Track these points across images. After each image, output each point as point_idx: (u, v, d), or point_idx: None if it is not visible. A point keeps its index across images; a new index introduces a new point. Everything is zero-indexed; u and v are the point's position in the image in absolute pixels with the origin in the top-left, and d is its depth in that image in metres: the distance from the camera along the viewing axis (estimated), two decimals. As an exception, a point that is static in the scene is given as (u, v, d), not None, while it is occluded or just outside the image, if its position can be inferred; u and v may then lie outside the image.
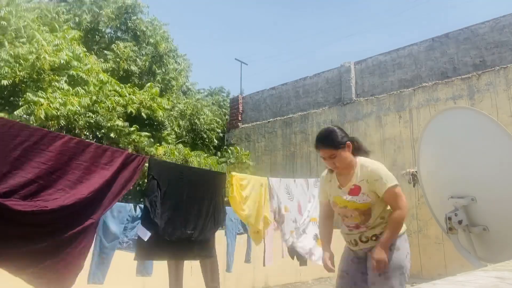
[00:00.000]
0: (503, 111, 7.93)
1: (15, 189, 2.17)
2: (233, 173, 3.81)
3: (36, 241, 2.24)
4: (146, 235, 2.93)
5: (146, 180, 3.08)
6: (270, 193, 4.10)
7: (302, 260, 4.41)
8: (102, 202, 2.57)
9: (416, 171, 4.12)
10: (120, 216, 3.53)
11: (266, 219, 3.99)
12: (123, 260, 3.49)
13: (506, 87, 8.05)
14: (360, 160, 2.53)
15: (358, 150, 2.58)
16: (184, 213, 3.24)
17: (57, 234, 2.33)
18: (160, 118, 10.38)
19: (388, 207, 2.48)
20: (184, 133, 12.48)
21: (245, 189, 3.76)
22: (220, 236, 4.56)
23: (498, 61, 8.35)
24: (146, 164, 3.00)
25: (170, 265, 3.49)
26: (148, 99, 9.98)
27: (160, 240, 3.02)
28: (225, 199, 3.76)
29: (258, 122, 12.58)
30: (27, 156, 2.26)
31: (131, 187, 2.91)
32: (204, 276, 3.68)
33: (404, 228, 2.50)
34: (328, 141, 2.49)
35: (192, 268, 3.58)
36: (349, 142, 2.50)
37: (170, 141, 10.77)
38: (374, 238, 2.46)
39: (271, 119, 12.25)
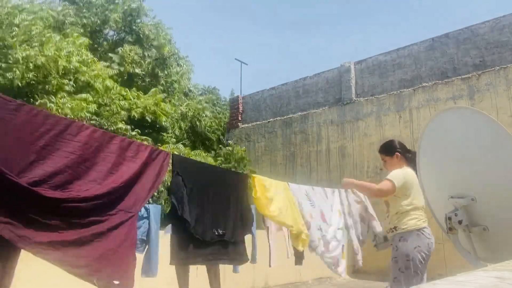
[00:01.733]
0: (503, 111, 7.93)
1: (43, 178, 2.08)
2: (254, 174, 3.74)
3: (77, 231, 2.15)
4: (168, 230, 2.85)
5: (171, 177, 2.96)
6: (294, 197, 3.98)
7: (298, 259, 4.35)
8: (137, 195, 2.51)
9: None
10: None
11: (301, 222, 3.84)
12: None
13: (506, 87, 8.05)
14: (400, 168, 3.35)
15: (410, 161, 3.49)
16: (213, 212, 3.09)
17: (97, 224, 2.25)
18: (163, 123, 10.46)
19: (402, 210, 3.16)
20: (185, 135, 12.52)
21: (269, 191, 3.61)
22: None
23: (498, 61, 8.35)
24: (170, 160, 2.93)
25: (179, 268, 3.41)
26: (152, 104, 10.05)
27: (193, 240, 2.88)
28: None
29: (258, 122, 12.58)
30: (54, 145, 2.17)
31: (161, 182, 2.84)
32: (209, 277, 3.63)
33: (417, 225, 3.11)
34: (383, 148, 3.71)
35: (197, 268, 3.55)
36: (397, 153, 3.44)
37: (170, 142, 10.81)
38: (391, 231, 3.27)
39: (271, 119, 12.26)
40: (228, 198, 3.33)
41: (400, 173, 3.24)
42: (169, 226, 2.93)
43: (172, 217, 2.88)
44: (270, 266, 4.54)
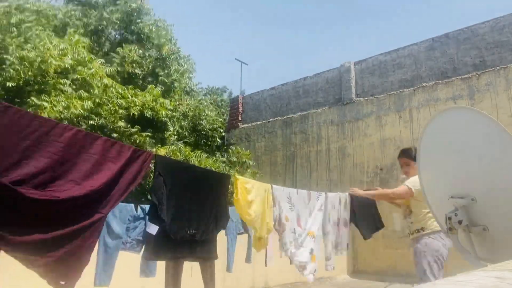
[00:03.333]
0: (503, 111, 7.93)
1: (26, 178, 2.17)
2: (238, 176, 3.77)
3: (47, 230, 2.25)
4: (154, 229, 2.92)
5: (151, 177, 3.06)
6: (273, 200, 4.05)
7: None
8: (111, 196, 2.57)
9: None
10: (121, 215, 3.54)
11: (269, 226, 3.94)
12: (125, 261, 3.50)
13: (506, 87, 8.05)
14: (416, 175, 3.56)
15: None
16: (188, 212, 3.21)
17: (68, 225, 2.33)
18: (162, 118, 10.41)
19: (425, 212, 3.44)
20: (186, 133, 12.51)
21: (250, 193, 3.67)
22: (220, 236, 4.56)
23: (498, 61, 8.35)
24: (152, 161, 2.99)
25: (168, 265, 3.47)
26: (151, 101, 10.03)
27: (166, 238, 3.00)
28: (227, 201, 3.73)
29: (258, 122, 12.59)
30: (38, 145, 2.26)
31: (138, 183, 2.90)
32: (204, 277, 3.67)
33: (438, 227, 3.32)
34: (407, 153, 3.84)
35: (192, 268, 3.57)
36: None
37: (172, 142, 10.79)
38: (416, 231, 3.58)
39: (271, 119, 12.26)
40: (205, 198, 3.41)
41: (417, 180, 3.44)
42: (151, 225, 2.99)
43: (151, 216, 2.99)
44: (266, 265, 4.56)
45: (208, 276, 3.62)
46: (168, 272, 3.42)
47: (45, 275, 2.26)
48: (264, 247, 4.02)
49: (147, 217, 3.36)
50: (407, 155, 3.86)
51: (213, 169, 8.40)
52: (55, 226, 2.28)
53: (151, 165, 3.00)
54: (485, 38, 8.66)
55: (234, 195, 3.56)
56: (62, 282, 2.31)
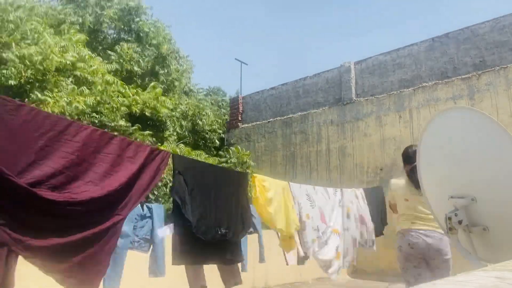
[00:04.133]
0: (503, 111, 7.93)
1: (42, 179, 2.07)
2: (255, 174, 3.71)
3: (66, 234, 2.14)
4: (165, 231, 2.83)
5: (171, 177, 2.94)
6: (292, 198, 3.96)
7: (301, 258, 4.32)
8: (130, 197, 2.48)
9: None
10: (129, 215, 3.49)
11: (296, 222, 3.83)
12: (132, 261, 3.47)
13: (506, 87, 8.05)
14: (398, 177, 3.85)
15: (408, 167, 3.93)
16: (216, 211, 3.07)
17: (87, 228, 2.23)
18: (163, 117, 10.40)
19: (400, 212, 3.66)
20: (186, 133, 12.50)
21: (268, 191, 3.58)
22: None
23: (498, 61, 8.35)
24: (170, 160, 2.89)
25: (188, 269, 3.35)
26: (152, 99, 10.03)
27: (194, 240, 2.86)
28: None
29: (258, 122, 12.58)
30: (53, 145, 2.16)
31: (156, 183, 2.81)
32: (223, 276, 3.51)
33: (399, 227, 3.59)
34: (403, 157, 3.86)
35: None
36: (404, 163, 3.79)
37: (171, 141, 10.79)
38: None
39: (271, 119, 12.26)
40: (229, 197, 3.31)
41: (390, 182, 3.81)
42: (171, 225, 2.91)
43: (175, 217, 2.87)
44: (287, 264, 4.46)
45: (226, 272, 3.50)
46: (188, 273, 3.29)
47: (64, 282, 2.17)
48: (291, 247, 3.90)
49: (169, 217, 3.21)
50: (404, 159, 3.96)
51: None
52: (73, 229, 2.19)
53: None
54: (485, 38, 8.66)
55: (252, 193, 3.50)
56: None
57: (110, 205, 2.38)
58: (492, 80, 8.24)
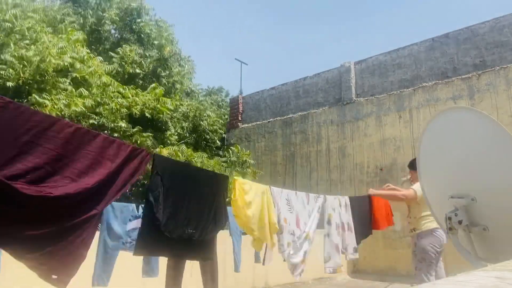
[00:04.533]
0: (503, 111, 7.93)
1: (22, 173, 2.16)
2: (236, 177, 3.75)
3: (39, 226, 2.24)
4: (134, 225, 2.91)
5: (150, 176, 3.05)
6: (272, 202, 4.04)
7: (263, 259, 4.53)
8: (107, 194, 2.56)
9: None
10: (122, 216, 3.53)
11: (274, 226, 3.91)
12: (125, 261, 3.49)
13: (506, 87, 8.05)
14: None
15: None
16: (186, 211, 3.20)
17: (60, 222, 2.32)
18: (164, 118, 10.39)
19: (422, 213, 4.09)
20: (187, 134, 12.50)
21: (247, 194, 3.65)
22: (225, 236, 4.54)
23: (498, 61, 8.36)
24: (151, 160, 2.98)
25: (169, 266, 3.46)
26: (152, 100, 10.01)
27: (161, 236, 2.99)
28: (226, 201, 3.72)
29: (258, 122, 12.59)
30: (37, 141, 2.25)
31: (135, 182, 2.89)
32: (203, 278, 3.66)
33: (430, 226, 4.03)
34: (413, 165, 4.14)
35: (192, 268, 3.56)
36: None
37: (173, 142, 10.78)
38: (412, 231, 4.24)
39: (271, 119, 12.26)
40: (204, 198, 3.40)
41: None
42: (130, 223, 2.97)
43: (146, 212, 2.97)
44: (263, 264, 4.57)
45: (208, 276, 3.60)
46: (168, 273, 3.41)
47: (35, 268, 2.27)
48: (261, 246, 4.00)
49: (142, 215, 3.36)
50: (413, 167, 4.31)
51: (214, 170, 8.40)
52: (48, 222, 2.28)
53: (149, 165, 3.00)
54: (485, 38, 8.66)
55: (232, 195, 3.56)
56: (54, 276, 2.31)
57: (86, 201, 2.45)
58: (492, 80, 8.24)
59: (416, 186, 4.09)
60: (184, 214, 3.19)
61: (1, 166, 2.10)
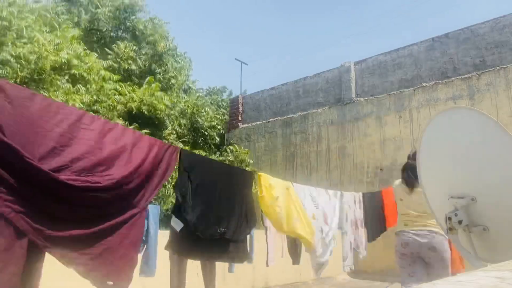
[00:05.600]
0: (503, 111, 7.93)
1: (65, 164, 2.07)
2: (260, 172, 3.62)
3: (85, 225, 2.13)
4: (179, 226, 2.80)
5: (177, 172, 2.90)
6: (298, 197, 3.86)
7: (296, 260, 4.32)
8: (145, 190, 2.49)
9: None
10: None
11: (307, 222, 3.77)
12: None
13: (506, 87, 8.05)
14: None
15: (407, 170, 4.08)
16: (216, 209, 3.05)
17: (106, 220, 2.22)
18: (161, 114, 10.36)
19: (401, 213, 3.74)
20: (185, 131, 12.47)
21: (274, 189, 3.52)
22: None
23: (498, 61, 8.35)
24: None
25: (173, 263, 3.43)
26: (148, 96, 9.99)
27: (192, 237, 2.86)
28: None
29: (258, 122, 12.59)
30: (71, 132, 2.16)
31: (168, 178, 2.81)
32: (204, 276, 3.63)
33: (400, 228, 3.69)
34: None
35: (197, 267, 3.53)
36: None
37: (171, 140, 10.76)
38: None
39: (271, 119, 12.26)
40: (233, 196, 3.28)
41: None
42: (176, 220, 2.89)
43: (177, 212, 2.87)
44: (267, 265, 4.54)
45: (207, 275, 3.58)
46: (173, 270, 3.35)
47: (87, 275, 2.14)
48: (312, 246, 3.84)
49: (172, 212, 3.25)
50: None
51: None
52: (93, 220, 2.17)
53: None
54: (485, 38, 8.66)
55: (258, 192, 3.44)
56: (110, 282, 2.20)
57: (127, 196, 2.37)
58: (492, 80, 8.24)
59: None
60: (215, 213, 3.05)
61: (41, 159, 1.98)
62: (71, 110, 2.28)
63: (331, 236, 4.19)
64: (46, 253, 2.04)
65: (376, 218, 5.29)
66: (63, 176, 2.01)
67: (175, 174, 3.02)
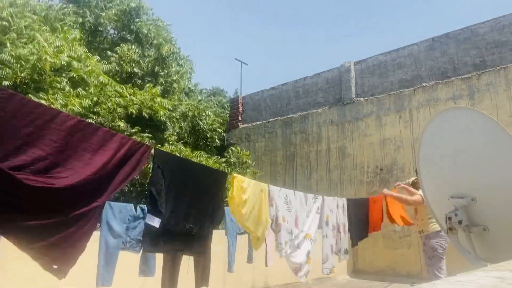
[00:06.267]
0: (503, 111, 7.93)
1: (25, 163, 2.20)
2: (235, 174, 3.76)
3: (42, 217, 2.28)
4: (154, 221, 2.90)
5: (151, 170, 3.07)
6: (269, 200, 4.05)
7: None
8: (109, 186, 2.60)
9: (416, 179, 4.97)
10: (121, 215, 3.54)
11: (265, 225, 3.93)
12: (125, 261, 3.50)
13: (506, 87, 8.05)
14: None
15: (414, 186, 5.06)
16: (186, 206, 3.23)
17: (63, 213, 2.36)
18: (161, 118, 10.37)
19: (429, 215, 4.45)
20: (186, 134, 12.47)
21: (245, 192, 3.67)
22: (220, 236, 4.55)
23: (498, 61, 8.35)
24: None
25: (165, 262, 3.46)
26: (149, 100, 9.99)
27: (165, 231, 3.03)
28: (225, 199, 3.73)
29: (258, 122, 12.59)
30: (39, 132, 2.29)
31: (135, 177, 2.91)
32: (196, 273, 3.66)
33: (436, 228, 4.49)
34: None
35: (188, 266, 3.56)
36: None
37: (172, 142, 10.77)
38: (421, 232, 4.80)
39: (271, 119, 12.26)
40: (203, 194, 3.43)
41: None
42: (151, 217, 2.98)
43: (151, 208, 2.99)
44: (266, 265, 4.56)
45: (200, 271, 3.60)
46: (165, 269, 3.41)
47: (37, 258, 2.30)
48: (261, 245, 4.02)
49: (148, 209, 3.38)
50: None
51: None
52: (51, 213, 2.31)
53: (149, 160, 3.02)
54: (485, 38, 8.66)
55: (229, 192, 3.57)
56: (55, 266, 2.34)
57: (88, 192, 2.48)
58: (492, 80, 8.24)
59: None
60: (185, 209, 3.21)
61: (4, 156, 2.12)
62: (46, 109, 2.39)
63: (302, 238, 4.30)
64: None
65: (358, 224, 5.47)
66: (20, 175, 2.14)
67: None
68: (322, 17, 70.57)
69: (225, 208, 3.82)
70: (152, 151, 2.95)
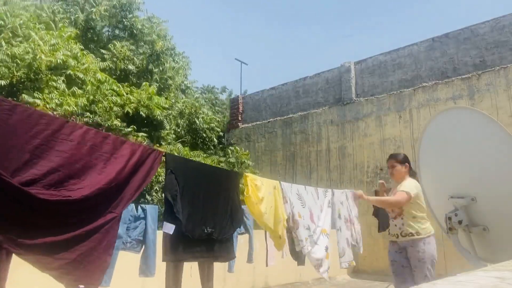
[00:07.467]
0: (503, 111, 7.93)
1: (37, 178, 2.11)
2: (246, 173, 3.72)
3: (60, 232, 2.18)
4: (171, 228, 2.84)
5: (164, 175, 2.97)
6: (283, 197, 3.98)
7: (300, 260, 4.36)
8: (123, 195, 2.52)
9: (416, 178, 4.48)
10: (122, 216, 3.52)
11: (284, 223, 3.87)
12: (125, 261, 3.50)
13: (506, 87, 8.05)
14: (408, 179, 3.71)
15: (413, 174, 3.81)
16: (202, 210, 3.13)
17: (81, 226, 2.27)
18: (158, 117, 10.32)
19: (419, 213, 3.57)
20: (183, 132, 12.40)
21: (260, 190, 3.60)
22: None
23: (498, 61, 8.35)
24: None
25: (169, 266, 3.45)
26: (146, 99, 9.94)
27: (183, 238, 2.93)
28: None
29: (258, 122, 12.59)
30: (48, 144, 2.19)
31: (149, 182, 2.84)
32: (201, 276, 3.65)
33: (432, 229, 3.55)
34: (396, 156, 3.87)
35: (191, 268, 3.56)
36: (407, 164, 3.75)
37: (169, 141, 10.73)
38: (410, 235, 3.57)
39: (271, 119, 12.26)
40: (218, 196, 3.36)
41: (413, 184, 3.65)
42: (167, 224, 2.94)
43: (167, 215, 2.92)
44: (266, 265, 4.55)
45: (205, 275, 3.59)
46: (168, 273, 3.39)
47: (61, 278, 2.18)
48: (283, 245, 3.93)
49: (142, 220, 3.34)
50: (393, 157, 3.89)
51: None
52: (68, 227, 2.22)
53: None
54: (485, 38, 8.66)
55: (244, 192, 3.52)
56: (81, 286, 2.25)
57: (103, 203, 2.40)
58: (492, 80, 8.24)
59: (406, 186, 3.63)
60: (201, 213, 3.11)
61: (14, 172, 2.03)
62: (52, 119, 2.29)
63: (319, 233, 4.23)
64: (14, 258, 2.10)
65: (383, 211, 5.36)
66: (34, 190, 2.05)
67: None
68: (322, 17, 70.54)
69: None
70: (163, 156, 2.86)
